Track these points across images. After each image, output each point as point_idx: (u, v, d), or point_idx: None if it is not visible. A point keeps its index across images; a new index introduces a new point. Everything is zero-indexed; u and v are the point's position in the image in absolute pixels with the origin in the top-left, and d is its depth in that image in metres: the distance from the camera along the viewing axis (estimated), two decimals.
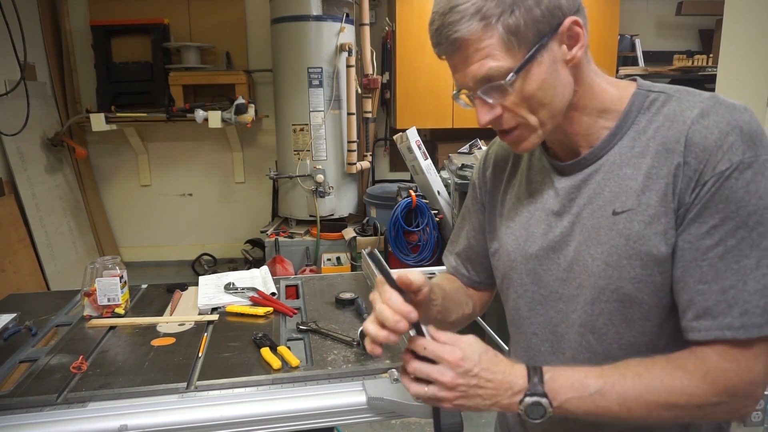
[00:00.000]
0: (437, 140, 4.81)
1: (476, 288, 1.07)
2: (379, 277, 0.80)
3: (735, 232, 0.70)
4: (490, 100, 0.77)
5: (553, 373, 0.76)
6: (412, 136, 3.64)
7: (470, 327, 1.10)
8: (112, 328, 1.40)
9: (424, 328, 0.79)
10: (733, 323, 0.70)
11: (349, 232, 4.13)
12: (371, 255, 0.83)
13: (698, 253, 0.72)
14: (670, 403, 0.72)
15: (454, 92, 0.83)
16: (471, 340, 0.78)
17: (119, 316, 1.45)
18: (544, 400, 0.74)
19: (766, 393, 1.92)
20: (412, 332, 0.79)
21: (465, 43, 0.73)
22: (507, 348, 1.37)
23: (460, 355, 0.75)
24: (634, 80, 0.84)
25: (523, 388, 0.75)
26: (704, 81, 4.53)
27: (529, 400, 0.74)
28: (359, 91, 4.25)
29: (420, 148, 3.65)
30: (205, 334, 1.36)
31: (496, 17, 0.71)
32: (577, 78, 0.79)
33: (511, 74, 0.73)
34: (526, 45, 0.73)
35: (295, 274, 3.51)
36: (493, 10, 0.71)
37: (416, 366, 0.77)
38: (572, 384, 0.74)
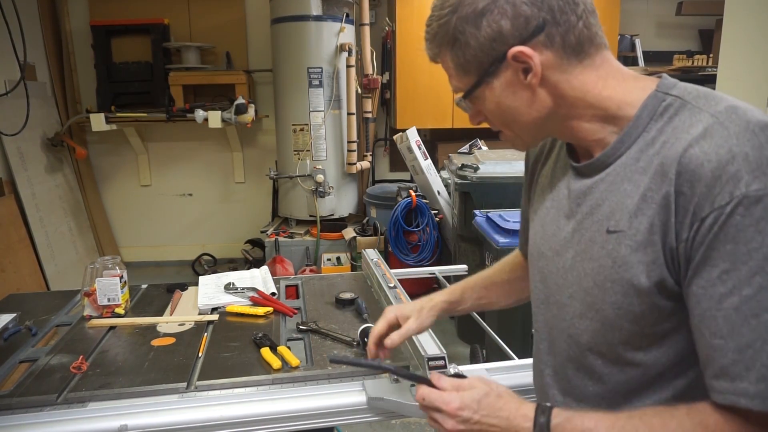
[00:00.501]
0: (437, 140, 4.81)
1: None
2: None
3: (750, 279, 0.61)
4: (467, 109, 0.82)
5: (562, 419, 0.73)
6: (412, 136, 3.64)
7: (471, 328, 1.11)
8: (112, 328, 1.40)
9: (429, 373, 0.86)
10: (748, 390, 0.62)
11: (349, 232, 4.13)
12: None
13: (712, 302, 0.64)
14: None
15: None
16: (474, 384, 0.80)
17: (119, 316, 1.45)
18: None
19: None
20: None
21: (434, 59, 0.80)
22: (509, 351, 1.37)
23: (456, 405, 0.78)
24: (660, 77, 0.76)
25: (530, 430, 0.74)
26: (704, 81, 4.53)
27: None
28: (359, 91, 4.25)
29: (420, 148, 3.65)
30: (205, 334, 1.36)
31: (445, 45, 0.77)
32: (558, 93, 0.75)
33: (458, 96, 0.79)
34: (472, 73, 0.76)
35: (295, 274, 3.51)
36: (441, 39, 0.77)
37: (425, 409, 0.82)
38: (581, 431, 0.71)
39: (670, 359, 0.73)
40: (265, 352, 1.22)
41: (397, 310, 1.04)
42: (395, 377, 1.11)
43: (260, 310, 1.46)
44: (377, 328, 1.02)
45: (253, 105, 4.32)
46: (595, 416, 0.72)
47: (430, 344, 1.13)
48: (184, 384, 1.12)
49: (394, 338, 0.99)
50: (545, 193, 0.89)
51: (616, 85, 0.75)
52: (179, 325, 1.42)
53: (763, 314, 0.61)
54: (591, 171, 0.78)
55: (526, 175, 1.00)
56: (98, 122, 4.19)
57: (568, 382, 0.84)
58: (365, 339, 1.02)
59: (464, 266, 2.03)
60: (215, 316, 1.46)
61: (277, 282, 1.67)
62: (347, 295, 1.54)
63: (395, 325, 1.01)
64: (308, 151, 4.18)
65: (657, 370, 0.74)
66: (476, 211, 2.94)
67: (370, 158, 4.52)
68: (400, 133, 3.73)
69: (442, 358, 1.08)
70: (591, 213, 0.77)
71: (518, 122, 0.78)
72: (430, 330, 1.12)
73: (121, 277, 1.47)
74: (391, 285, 1.58)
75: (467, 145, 4.03)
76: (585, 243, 0.77)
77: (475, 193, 3.14)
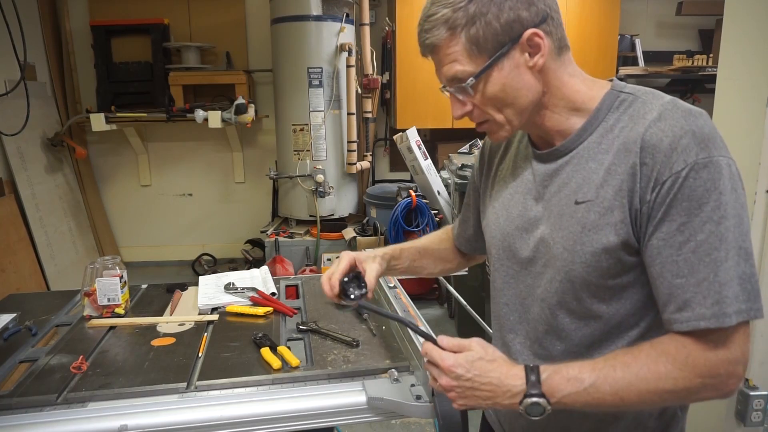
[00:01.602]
0: (437, 140, 4.81)
1: (462, 252, 1.24)
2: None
3: (703, 227, 0.76)
4: (460, 97, 0.89)
5: (550, 372, 0.82)
6: (412, 136, 3.64)
7: (471, 328, 1.11)
8: (112, 328, 1.40)
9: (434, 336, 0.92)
10: (706, 313, 0.76)
11: (349, 232, 4.13)
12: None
13: (673, 249, 0.78)
14: (659, 388, 0.78)
15: (441, 86, 0.93)
16: (472, 346, 0.86)
17: (119, 316, 1.45)
18: (542, 400, 0.80)
19: (765, 393, 1.90)
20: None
21: (436, 48, 0.86)
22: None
23: (451, 362, 0.85)
24: (611, 80, 0.90)
25: (522, 390, 0.82)
26: (704, 81, 4.54)
27: (528, 401, 0.81)
28: (359, 91, 4.25)
29: (420, 148, 3.65)
30: (205, 334, 1.36)
31: (460, 27, 0.82)
32: (546, 80, 0.86)
33: (471, 78, 0.84)
34: (487, 53, 0.83)
35: (295, 274, 3.52)
36: (458, 21, 0.82)
37: (426, 366, 0.90)
38: (568, 380, 0.80)
39: (627, 311, 0.86)
40: (265, 352, 1.22)
41: (353, 254, 1.13)
42: (395, 377, 1.12)
43: (260, 310, 1.46)
44: (341, 268, 1.08)
45: (253, 105, 4.32)
46: (577, 364, 0.82)
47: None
48: (184, 384, 1.12)
49: (370, 280, 1.06)
50: (508, 181, 1.00)
51: (581, 83, 0.89)
52: (179, 325, 1.42)
53: (713, 253, 0.75)
54: (555, 156, 0.90)
55: (481, 169, 1.11)
56: (98, 122, 4.19)
57: (539, 345, 0.94)
58: (344, 289, 1.06)
59: None
60: (215, 316, 1.46)
61: (277, 282, 1.67)
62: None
63: (354, 267, 1.09)
64: (308, 151, 4.18)
65: (616, 321, 0.87)
66: None
67: (370, 158, 4.52)
68: (400, 133, 3.73)
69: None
70: (559, 191, 0.89)
71: (515, 106, 0.87)
72: (430, 329, 1.12)
73: (121, 277, 1.47)
74: (391, 285, 1.58)
75: (467, 145, 4.03)
76: (555, 217, 0.89)
77: None
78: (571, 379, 0.80)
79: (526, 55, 0.83)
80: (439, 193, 3.72)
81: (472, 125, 0.94)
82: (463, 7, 0.81)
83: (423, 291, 4.12)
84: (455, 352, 0.87)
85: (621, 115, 0.85)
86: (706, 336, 0.77)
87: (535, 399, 0.80)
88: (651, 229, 0.79)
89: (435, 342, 0.89)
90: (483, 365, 0.84)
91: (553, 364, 0.83)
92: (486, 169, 1.09)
